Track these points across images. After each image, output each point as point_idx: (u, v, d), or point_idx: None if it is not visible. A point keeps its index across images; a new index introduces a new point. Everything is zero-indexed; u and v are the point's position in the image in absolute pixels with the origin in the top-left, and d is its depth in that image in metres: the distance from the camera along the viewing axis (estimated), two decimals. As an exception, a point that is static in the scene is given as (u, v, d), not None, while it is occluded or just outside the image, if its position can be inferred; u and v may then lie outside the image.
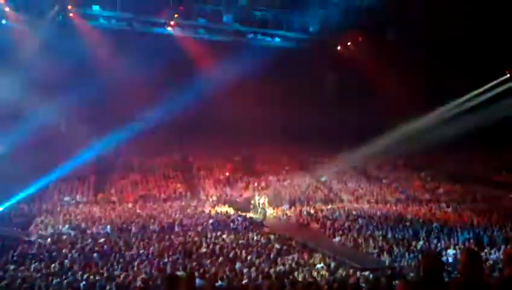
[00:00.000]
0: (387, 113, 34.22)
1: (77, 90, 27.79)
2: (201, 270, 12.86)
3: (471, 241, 18.48)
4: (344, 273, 13.51)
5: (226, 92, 32.53)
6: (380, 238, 19.10)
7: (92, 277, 12.45)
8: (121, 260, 14.91)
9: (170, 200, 28.94)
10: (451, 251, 16.56)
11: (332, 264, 14.85)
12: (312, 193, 31.02)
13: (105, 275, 12.87)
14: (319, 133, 37.17)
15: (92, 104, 29.17)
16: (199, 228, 21.14)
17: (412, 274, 13.17)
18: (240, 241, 18.10)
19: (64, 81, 28.40)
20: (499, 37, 26.99)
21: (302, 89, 38.14)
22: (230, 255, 15.72)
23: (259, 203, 26.62)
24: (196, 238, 18.43)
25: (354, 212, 25.37)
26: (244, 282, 11.61)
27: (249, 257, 15.47)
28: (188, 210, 25.88)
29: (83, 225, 21.56)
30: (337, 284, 9.82)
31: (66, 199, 27.88)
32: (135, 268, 13.94)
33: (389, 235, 19.69)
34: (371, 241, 18.62)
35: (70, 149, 28.62)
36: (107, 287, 11.52)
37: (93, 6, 28.39)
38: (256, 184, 31.60)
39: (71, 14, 27.92)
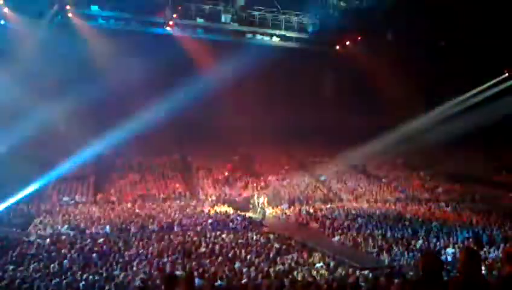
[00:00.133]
0: (386, 112, 34.29)
1: (76, 90, 27.79)
2: (201, 270, 12.85)
3: (470, 240, 18.50)
4: (343, 272, 13.52)
5: (225, 92, 32.54)
6: (380, 237, 19.11)
7: (91, 277, 12.44)
8: (120, 260, 14.90)
9: (169, 200, 28.96)
10: (450, 250, 16.57)
11: (332, 264, 14.87)
12: (311, 192, 31.05)
13: (104, 275, 12.86)
14: (318, 133, 37.23)
15: (91, 104, 29.14)
16: (198, 228, 21.14)
17: (411, 273, 13.17)
18: (239, 241, 18.09)
19: (63, 81, 28.39)
20: (497, 36, 26.99)
21: (300, 89, 38.18)
22: (230, 254, 15.72)
23: (258, 203, 26.64)
24: (195, 238, 18.42)
25: (353, 212, 25.42)
26: (243, 281, 11.61)
27: (248, 257, 15.47)
28: (187, 210, 25.88)
29: (82, 225, 21.56)
30: (337, 284, 9.83)
31: (65, 199, 27.88)
32: (134, 268, 13.92)
33: (389, 234, 19.69)
34: (370, 240, 18.63)
35: (69, 149, 28.61)
36: (106, 287, 11.51)
37: (91, 6, 28.38)
38: (255, 184, 31.62)
39: (70, 14, 27.89)
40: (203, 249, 16.60)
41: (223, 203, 28.25)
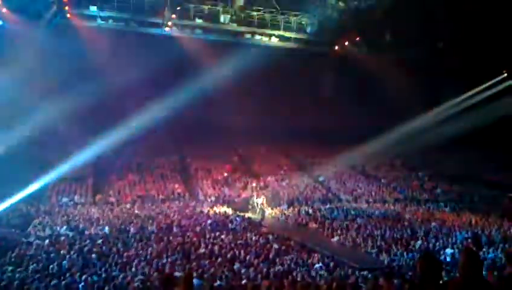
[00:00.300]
0: (385, 113, 34.31)
1: (75, 91, 27.76)
2: (200, 271, 12.83)
3: (469, 240, 18.51)
4: (343, 273, 13.52)
5: (224, 93, 32.55)
6: (379, 237, 19.11)
7: (90, 278, 12.41)
8: (119, 261, 14.85)
9: (168, 200, 28.91)
10: (449, 250, 16.57)
11: (331, 264, 14.86)
12: (310, 192, 31.06)
13: (103, 276, 12.83)
14: (317, 133, 37.25)
15: (90, 105, 29.12)
16: (198, 229, 21.08)
17: (410, 274, 13.17)
18: (239, 242, 18.05)
19: (62, 82, 28.37)
20: (496, 36, 27.04)
21: (299, 89, 38.20)
22: (229, 255, 15.69)
23: (257, 204, 26.63)
24: (195, 239, 18.38)
25: (352, 212, 25.45)
26: (243, 282, 11.59)
27: (247, 257, 15.44)
28: (187, 211, 25.83)
29: (81, 226, 21.51)
30: (336, 284, 9.81)
31: (64, 200, 27.81)
32: (133, 269, 13.89)
33: (388, 234, 19.69)
34: (369, 240, 18.62)
35: (68, 150, 28.58)
36: (106, 288, 11.48)
37: (90, 6, 28.40)
38: (254, 184, 31.57)
39: (69, 15, 27.90)
40: (202, 250, 16.56)
41: (222, 204, 28.24)
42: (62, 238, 18.92)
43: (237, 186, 31.84)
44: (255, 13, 30.57)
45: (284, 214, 26.17)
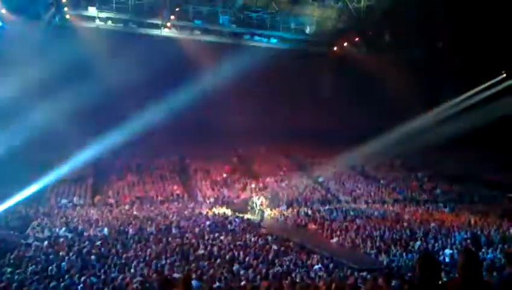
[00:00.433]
0: (384, 113, 34.30)
1: (74, 92, 27.73)
2: (199, 272, 12.80)
3: (469, 241, 18.49)
4: (342, 273, 13.50)
5: (223, 94, 32.52)
6: (378, 238, 19.10)
7: (89, 279, 12.39)
8: (118, 262, 14.83)
9: (167, 202, 28.90)
10: (448, 251, 16.56)
11: (330, 265, 14.84)
12: (310, 193, 31.05)
13: (102, 277, 12.81)
14: (317, 134, 37.24)
15: (89, 106, 29.09)
16: (196, 230, 21.05)
17: (409, 274, 13.15)
18: (238, 243, 18.03)
19: (61, 82, 28.33)
20: (495, 37, 27.07)
21: (298, 90, 38.19)
22: (228, 256, 15.67)
23: (256, 204, 26.62)
24: (193, 240, 18.36)
25: (351, 213, 25.46)
26: (242, 283, 11.57)
27: (246, 258, 15.42)
28: (186, 212, 25.81)
29: (80, 228, 21.47)
30: (335, 285, 9.78)
31: (63, 201, 27.79)
32: (132, 270, 13.87)
33: (387, 235, 19.68)
34: (368, 241, 18.61)
35: (67, 151, 28.53)
36: (104, 290, 11.48)
37: (89, 7, 28.38)
38: (253, 185, 31.58)
39: (68, 16, 27.89)
40: (201, 251, 16.54)
41: (221, 205, 28.23)
42: (61, 239, 18.88)
43: (236, 187, 31.83)
44: (254, 14, 30.57)
45: (283, 215, 26.14)
